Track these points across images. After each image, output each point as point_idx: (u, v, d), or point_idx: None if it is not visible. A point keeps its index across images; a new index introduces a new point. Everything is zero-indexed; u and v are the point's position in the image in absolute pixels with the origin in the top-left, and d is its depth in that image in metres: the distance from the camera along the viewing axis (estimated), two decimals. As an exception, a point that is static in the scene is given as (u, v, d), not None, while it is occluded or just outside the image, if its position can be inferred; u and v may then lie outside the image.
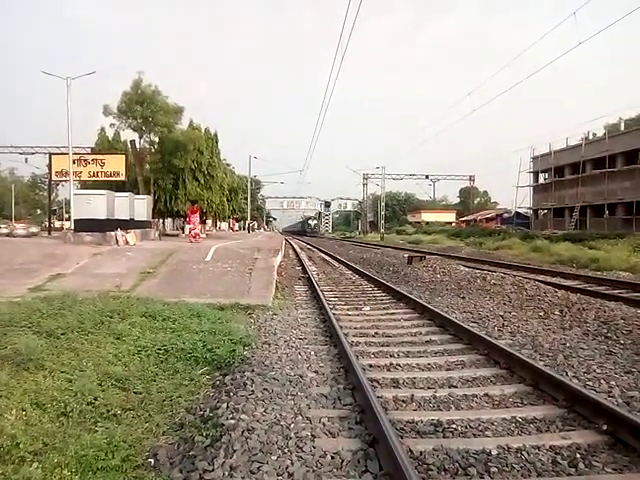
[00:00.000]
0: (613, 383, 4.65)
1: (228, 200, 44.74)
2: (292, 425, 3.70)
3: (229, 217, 56.12)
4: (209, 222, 52.88)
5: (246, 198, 55.21)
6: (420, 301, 9.06)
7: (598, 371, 5.07)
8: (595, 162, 42.51)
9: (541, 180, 53.10)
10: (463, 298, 10.11)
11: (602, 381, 4.72)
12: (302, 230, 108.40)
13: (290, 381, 4.73)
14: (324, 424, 3.77)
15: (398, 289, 10.73)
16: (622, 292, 11.12)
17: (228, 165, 50.60)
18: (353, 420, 3.86)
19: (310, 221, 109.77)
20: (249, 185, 55.18)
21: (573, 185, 45.38)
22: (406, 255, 19.29)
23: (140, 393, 4.41)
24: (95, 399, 4.11)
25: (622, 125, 44.11)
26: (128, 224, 20.96)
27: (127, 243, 18.65)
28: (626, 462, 3.21)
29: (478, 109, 42.16)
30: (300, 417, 3.87)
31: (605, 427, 3.59)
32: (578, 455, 3.31)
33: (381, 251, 23.44)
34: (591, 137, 45.71)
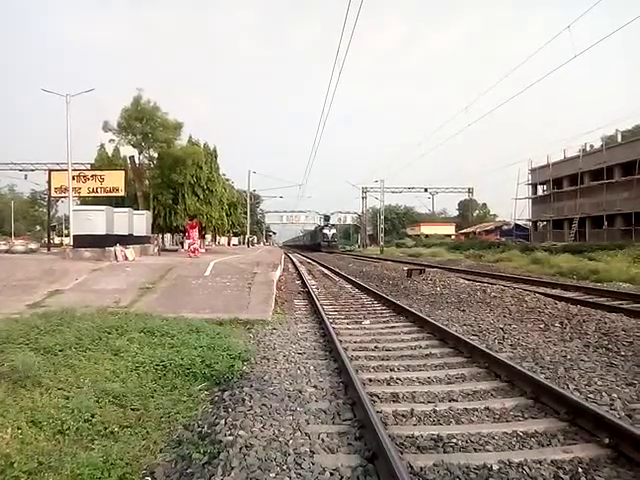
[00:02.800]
0: (615, 395, 4.61)
1: (227, 215, 44.72)
2: (291, 441, 3.66)
3: (228, 232, 56.07)
4: (208, 237, 52.86)
5: (245, 213, 55.29)
6: (420, 314, 9.03)
7: (599, 383, 5.03)
8: (593, 174, 42.71)
9: (540, 192, 53.28)
10: (463, 311, 10.07)
11: (604, 393, 4.68)
12: (313, 244, 71.57)
13: (289, 396, 4.70)
14: (323, 440, 3.73)
15: (398, 302, 10.69)
16: (622, 303, 11.07)
17: (227, 180, 50.68)
18: (352, 436, 3.82)
19: (327, 230, 68.04)
20: (248, 200, 55.28)
21: (571, 197, 45.51)
22: (406, 268, 19.26)
23: (138, 410, 4.37)
24: (92, 416, 4.07)
25: (619, 136, 44.37)
26: (127, 239, 20.94)
27: (126, 259, 18.62)
28: (630, 477, 3.17)
29: (475, 122, 42.48)
30: (299, 433, 3.83)
31: (607, 441, 3.55)
32: (580, 469, 3.27)
33: (381, 264, 23.42)
34: (588, 149, 45.96)
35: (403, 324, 8.77)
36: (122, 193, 29.98)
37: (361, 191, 73.29)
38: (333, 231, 67.98)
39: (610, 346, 6.76)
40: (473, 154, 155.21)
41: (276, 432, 3.82)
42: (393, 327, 8.52)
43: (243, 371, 5.54)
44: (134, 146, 31.72)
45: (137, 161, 32.40)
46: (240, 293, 11.07)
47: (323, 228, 69.32)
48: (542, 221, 52.73)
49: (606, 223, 40.32)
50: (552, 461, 3.40)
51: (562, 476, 3.20)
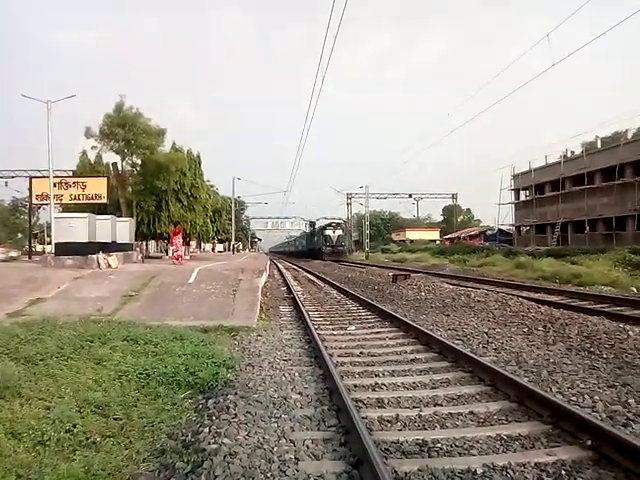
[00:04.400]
0: (597, 398, 4.66)
1: (212, 221, 44.63)
2: (275, 448, 3.64)
3: (213, 238, 55.85)
4: (193, 244, 52.56)
5: (230, 219, 55.12)
6: (405, 319, 9.06)
7: (582, 386, 5.08)
8: (574, 179, 43.36)
9: (522, 197, 53.88)
10: (448, 315, 10.12)
11: (586, 396, 4.73)
12: (310, 250, 55.07)
13: (274, 403, 4.67)
14: (308, 446, 3.71)
15: (383, 308, 10.72)
16: (604, 307, 11.22)
17: (212, 186, 50.52)
18: (337, 442, 3.81)
19: (330, 231, 49.45)
20: (233, 206, 55.09)
21: (554, 202, 46.13)
22: (391, 273, 19.33)
23: (120, 419, 4.31)
24: (74, 426, 4.00)
25: (599, 143, 45.13)
26: (110, 247, 20.73)
27: (109, 266, 18.42)
28: (611, 477, 3.20)
29: (457, 129, 42.87)
30: (284, 440, 3.81)
31: (589, 442, 3.59)
32: (563, 472, 3.30)
33: (366, 270, 23.48)
34: (569, 155, 46.67)
35: (388, 329, 8.78)
36: (105, 200, 29.74)
37: (346, 197, 73.43)
38: (339, 232, 47.90)
39: (592, 349, 6.85)
40: (457, 160, 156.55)
41: (261, 439, 3.79)
42: (378, 332, 8.53)
43: (228, 379, 5.49)
44: (117, 153, 31.53)
45: (120, 168, 32.17)
46: (225, 300, 11.01)
47: (325, 228, 49.03)
48: (525, 226, 53.32)
49: (588, 228, 40.91)
50: (536, 464, 3.42)
51: (545, 479, 3.23)
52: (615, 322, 8.57)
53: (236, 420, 4.19)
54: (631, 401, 4.51)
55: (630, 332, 7.48)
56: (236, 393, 4.96)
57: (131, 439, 3.95)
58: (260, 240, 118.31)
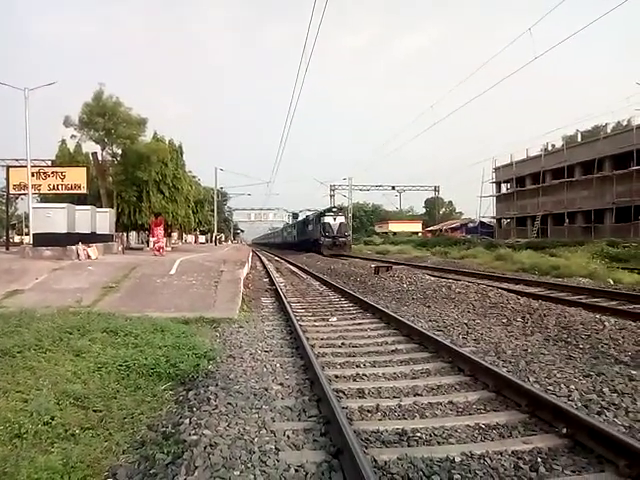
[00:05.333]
0: (572, 387, 4.75)
1: (194, 212, 44.21)
2: (256, 439, 3.64)
3: (195, 229, 55.42)
4: (175, 235, 52.11)
5: (212, 210, 54.72)
6: (386, 311, 9.12)
7: (558, 376, 5.18)
8: (554, 172, 43.95)
9: (503, 190, 54.49)
10: (429, 307, 10.21)
11: (562, 385, 4.82)
12: (304, 241, 44.95)
13: (255, 394, 4.67)
14: (288, 437, 3.73)
15: (365, 299, 10.77)
16: (581, 298, 11.42)
17: (194, 177, 50.00)
18: (318, 432, 3.83)
19: (330, 218, 38.52)
20: (215, 197, 54.70)
21: (534, 195, 46.73)
22: (373, 265, 19.40)
23: (100, 411, 4.27)
24: (52, 419, 3.96)
25: (579, 137, 45.76)
26: (90, 238, 20.44)
27: (89, 257, 18.17)
28: (584, 464, 3.28)
29: (440, 121, 43.06)
30: (264, 430, 3.81)
31: (565, 430, 3.66)
32: (539, 459, 3.36)
33: (349, 262, 23.54)
34: (550, 148, 47.26)
35: (370, 321, 8.84)
36: (84, 190, 29.24)
37: (329, 189, 73.44)
38: (341, 219, 37.91)
39: (569, 339, 6.97)
40: (440, 153, 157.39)
41: (241, 430, 3.79)
42: (360, 324, 8.58)
43: (209, 370, 5.49)
44: (96, 142, 31.01)
45: (100, 157, 31.67)
46: (206, 291, 10.95)
47: (323, 215, 38.66)
48: (506, 218, 53.95)
49: (567, 220, 41.57)
50: (512, 452, 3.48)
51: (522, 466, 3.28)
52: (592, 313, 8.73)
53: (217, 411, 4.18)
54: (605, 390, 4.61)
55: (606, 323, 7.63)
56: (217, 384, 4.95)
57: (111, 431, 3.92)
58: (243, 231, 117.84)
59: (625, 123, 39.74)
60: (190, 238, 66.33)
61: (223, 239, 67.60)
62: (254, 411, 4.24)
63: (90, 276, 12.89)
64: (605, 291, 12.32)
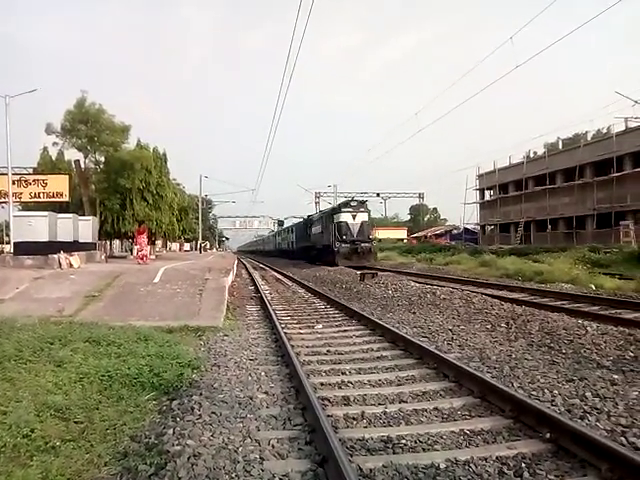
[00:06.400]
0: (556, 392, 4.79)
1: (178, 220, 44.03)
2: (240, 448, 3.61)
3: (180, 237, 55.05)
4: (159, 243, 51.75)
5: (197, 218, 54.46)
6: (372, 317, 9.14)
7: (542, 381, 5.21)
8: (537, 179, 44.54)
9: (487, 197, 55.06)
10: (414, 313, 10.24)
11: (546, 390, 4.85)
12: (306, 248, 34.75)
13: (239, 403, 4.63)
14: (273, 446, 3.70)
15: (350, 306, 10.78)
16: (564, 303, 11.55)
17: (178, 184, 49.85)
18: (303, 440, 3.81)
19: (348, 216, 26.65)
20: (200, 205, 54.47)
21: (517, 201, 47.28)
22: (359, 272, 19.41)
23: (81, 422, 4.20)
24: (32, 431, 3.88)
25: (560, 144, 46.42)
26: (72, 246, 20.19)
27: (71, 266, 17.94)
28: (567, 468, 3.30)
29: (425, 128, 43.44)
30: (249, 440, 3.78)
31: (548, 435, 3.68)
32: (523, 464, 3.38)
33: (334, 268, 23.52)
34: (532, 155, 47.88)
35: (355, 327, 8.84)
36: (66, 198, 29.02)
37: (314, 196, 73.50)
38: (363, 217, 27.51)
39: (552, 345, 7.03)
40: (424, 160, 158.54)
41: (225, 440, 3.76)
42: (345, 331, 8.57)
43: (193, 379, 5.43)
44: (79, 149, 30.78)
45: (82, 165, 31.41)
46: (191, 300, 10.87)
47: (337, 211, 28.01)
48: (490, 225, 54.46)
49: (550, 226, 42.08)
50: (497, 457, 3.49)
51: (506, 472, 3.29)
52: (574, 318, 8.82)
53: (201, 421, 4.14)
54: (588, 394, 4.65)
55: (588, 328, 7.71)
56: (201, 394, 4.90)
57: (92, 442, 3.86)
58: (228, 239, 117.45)
59: (605, 131, 40.43)
60: (174, 246, 65.96)
61: (208, 247, 67.30)
62: (239, 420, 4.20)
63: (72, 285, 12.72)
64: (587, 296, 12.48)
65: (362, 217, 27.19)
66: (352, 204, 27.63)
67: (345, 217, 26.79)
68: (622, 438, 3.65)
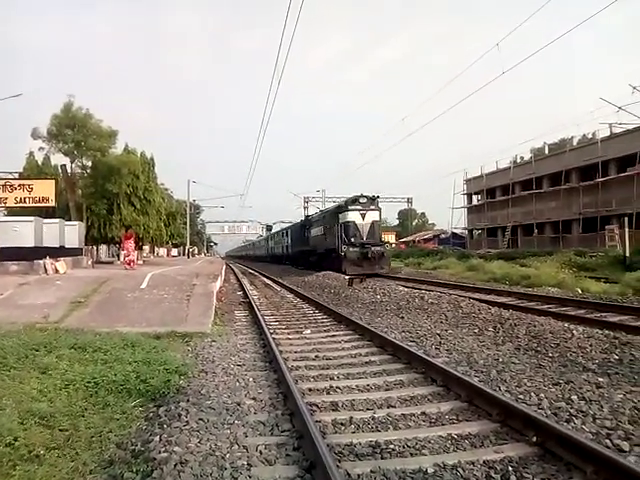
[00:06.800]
0: (542, 395, 4.82)
1: (166, 225, 43.86)
2: (228, 455, 3.59)
3: (167, 242, 54.73)
4: (146, 248, 51.42)
5: (185, 223, 54.23)
6: (360, 322, 9.15)
7: (529, 384, 5.25)
8: (523, 184, 44.93)
9: (474, 201, 55.41)
10: (402, 318, 10.26)
11: (532, 394, 4.88)
12: (305, 253, 31.00)
13: (227, 409, 4.61)
14: (261, 452, 3.68)
15: (339, 311, 10.78)
16: (551, 307, 11.63)
17: (166, 189, 49.76)
18: (291, 446, 3.79)
19: (354, 213, 22.90)
20: (188, 209, 54.22)
21: (504, 206, 47.64)
22: (347, 277, 19.41)
23: (66, 430, 4.15)
24: (15, 439, 3.82)
25: (546, 149, 46.93)
26: (58, 252, 20.03)
27: (57, 272, 17.77)
28: (554, 471, 3.32)
29: (413, 134, 43.69)
30: (236, 446, 3.76)
31: (535, 439, 3.70)
32: (510, 468, 3.39)
33: (322, 273, 23.50)
34: (519, 160, 48.31)
35: (344, 332, 8.83)
36: (53, 203, 28.58)
37: (303, 201, 73.53)
38: (374, 217, 23.53)
39: (539, 348, 7.08)
40: (412, 164, 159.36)
41: (213, 446, 3.73)
42: (334, 336, 8.57)
43: (180, 385, 5.40)
44: (65, 154, 30.57)
45: (69, 170, 31.16)
46: (178, 305, 10.80)
47: (344, 209, 23.73)
48: (477, 229, 54.81)
49: (536, 231, 42.42)
50: (484, 461, 3.50)
51: (493, 475, 3.31)
52: (561, 322, 8.88)
53: (188, 427, 4.11)
54: (574, 397, 4.69)
55: (574, 331, 7.76)
56: (188, 400, 4.87)
57: (78, 450, 3.82)
58: (216, 244, 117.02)
59: (590, 136, 40.93)
60: (162, 251, 65.52)
61: (196, 252, 66.97)
62: (226, 426, 4.18)
63: (58, 291, 12.59)
64: (573, 300, 12.58)
65: (373, 216, 23.38)
66: (361, 200, 23.34)
67: (353, 216, 23.01)
68: (607, 440, 3.68)
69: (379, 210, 24.03)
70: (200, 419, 4.32)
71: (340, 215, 23.58)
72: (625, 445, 3.58)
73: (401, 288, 15.30)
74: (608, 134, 36.16)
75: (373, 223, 23.16)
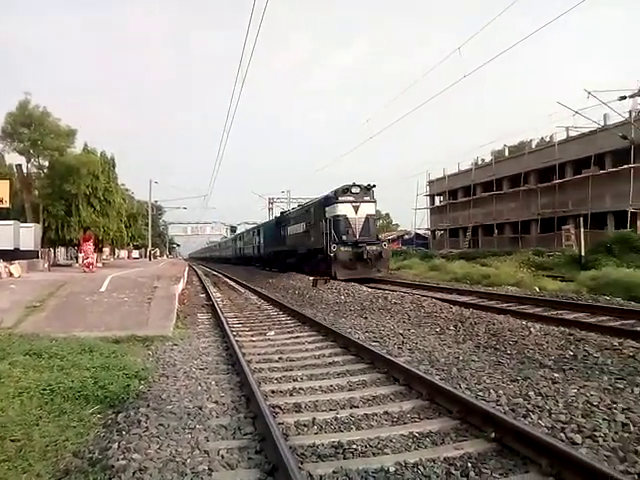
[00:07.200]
0: (501, 392, 4.93)
1: (127, 227, 42.89)
2: (188, 460, 3.54)
3: (128, 244, 53.53)
4: (106, 250, 50.18)
5: (147, 224, 53.20)
6: (324, 323, 9.17)
7: (488, 381, 5.36)
8: (484, 185, 45.96)
9: (437, 202, 56.34)
10: (366, 318, 10.33)
11: (491, 391, 4.99)
12: (283, 254, 27.16)
13: (188, 414, 4.53)
14: (222, 456, 3.64)
15: (303, 312, 10.78)
16: (510, 305, 11.91)
17: (127, 190, 48.67)
18: (253, 450, 3.77)
19: (346, 207, 19.47)
20: (150, 211, 53.26)
21: (466, 207, 48.60)
22: (311, 278, 19.37)
23: (19, 440, 3.99)
24: (-39, 453, 3.67)
25: (506, 151, 48.09)
26: (13, 254, 19.39)
27: (11, 275, 17.16)
28: (511, 466, 3.40)
29: (375, 136, 43.93)
30: (197, 451, 3.71)
31: (493, 435, 3.78)
32: (469, 464, 3.45)
33: (287, 275, 23.45)
34: (480, 162, 49.37)
35: (308, 334, 8.83)
36: (7, 204, 27.65)
37: (267, 201, 73.14)
38: (369, 210, 20.24)
39: (498, 346, 7.25)
40: (376, 166, 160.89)
41: (173, 452, 3.67)
42: (298, 337, 8.55)
43: (140, 391, 5.28)
44: (21, 153, 29.58)
45: (25, 170, 30.13)
46: (139, 309, 10.58)
47: (333, 200, 19.97)
48: (440, 230, 55.72)
49: (496, 231, 43.45)
50: (445, 458, 3.55)
51: (453, 472, 3.36)
52: (519, 320, 9.09)
53: (147, 434, 4.03)
54: (531, 393, 4.81)
55: (532, 329, 7.98)
56: (148, 405, 4.77)
57: (30, 461, 3.67)
58: (179, 246, 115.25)
59: (548, 139, 42.14)
60: (123, 253, 64.00)
61: (158, 254, 65.80)
62: (187, 431, 4.11)
63: (12, 295, 12.15)
64: (531, 298, 12.93)
65: (368, 209, 20.12)
66: (353, 190, 19.87)
67: (344, 209, 19.62)
68: (562, 434, 3.80)
69: (375, 202, 20.70)
70: (160, 424, 4.24)
71: (328, 208, 20.17)
72: (578, 438, 3.69)
73: (365, 289, 15.39)
74: (565, 137, 37.35)
75: (368, 217, 19.97)
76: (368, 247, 19.04)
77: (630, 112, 25.36)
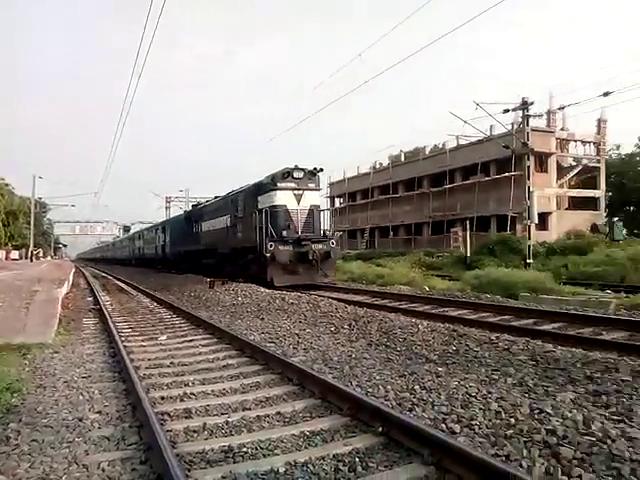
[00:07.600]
0: (389, 387, 5.11)
1: (5, 225, 39.39)
2: (64, 477, 3.28)
3: (6, 244, 49.12)
4: (-19, 251, 45.70)
5: (29, 222, 49.13)
6: (219, 325, 9.01)
7: (378, 378, 5.54)
8: (381, 189, 47.90)
9: (337, 204, 57.70)
10: (262, 319, 10.29)
11: (380, 387, 5.15)
12: (195, 253, 23.93)
13: (67, 426, 4.21)
14: (103, 469, 3.42)
15: (198, 315, 10.51)
16: (402, 304, 12.44)
17: (6, 185, 44.62)
18: (137, 460, 3.58)
19: (286, 194, 16.28)
20: (32, 208, 49.16)
21: (364, 209, 50.34)
22: (208, 279, 18.95)
23: None
24: None
25: (402, 156, 50.40)
26: None
27: None
28: (396, 458, 3.52)
29: (279, 135, 44.14)
30: (75, 466, 3.45)
31: (381, 429, 3.91)
32: (357, 459, 3.53)
33: (184, 276, 22.75)
34: (378, 166, 51.32)
35: (202, 337, 8.61)
36: None
37: (165, 200, 70.54)
38: (313, 200, 17.03)
39: (389, 343, 7.53)
40: (276, 167, 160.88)
41: (47, 469, 3.39)
42: (191, 341, 8.30)
43: (11, 404, 4.82)
44: None
45: None
46: (14, 314, 9.70)
47: (270, 187, 16.49)
48: (339, 231, 57.14)
49: (392, 233, 45.43)
50: (334, 455, 3.60)
51: (342, 468, 3.42)
52: (409, 317, 9.53)
53: (17, 451, 3.68)
54: (417, 387, 5.04)
55: (420, 326, 8.39)
56: (20, 420, 4.37)
57: None
58: (65, 246, 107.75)
59: (440, 146, 44.68)
60: (0, 254, 58.67)
61: (41, 255, 61.05)
62: (64, 445, 3.82)
63: None
64: (421, 297, 13.61)
65: (312, 198, 17.11)
66: (295, 175, 16.64)
67: (283, 198, 16.41)
68: (443, 425, 4.01)
69: (319, 190, 17.87)
70: (33, 440, 3.90)
71: (261, 198, 16.80)
72: (457, 427, 3.92)
73: (262, 290, 15.33)
74: (455, 145, 39.87)
75: (313, 209, 16.95)
76: (314, 245, 16.19)
77: (512, 124, 27.65)
